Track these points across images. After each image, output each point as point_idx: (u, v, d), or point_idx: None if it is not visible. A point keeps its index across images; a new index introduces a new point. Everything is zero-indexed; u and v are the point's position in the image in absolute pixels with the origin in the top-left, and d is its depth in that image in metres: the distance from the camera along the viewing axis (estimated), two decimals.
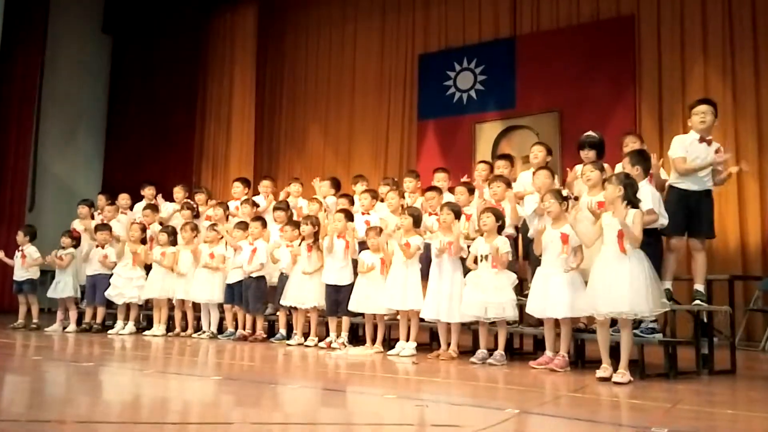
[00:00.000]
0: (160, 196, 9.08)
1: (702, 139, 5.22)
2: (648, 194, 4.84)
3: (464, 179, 7.00)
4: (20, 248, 8.61)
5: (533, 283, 5.23)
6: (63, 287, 8.27)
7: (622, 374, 4.41)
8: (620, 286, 4.43)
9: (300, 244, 6.94)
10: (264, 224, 7.50)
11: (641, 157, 5.06)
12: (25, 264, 8.51)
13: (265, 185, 8.49)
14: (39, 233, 8.94)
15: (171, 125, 13.03)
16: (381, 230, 6.42)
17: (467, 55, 10.84)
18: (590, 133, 5.90)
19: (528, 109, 10.09)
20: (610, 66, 9.48)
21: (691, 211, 5.13)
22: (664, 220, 4.92)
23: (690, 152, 5.20)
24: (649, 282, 4.45)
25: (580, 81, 9.62)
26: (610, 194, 4.63)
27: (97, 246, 8.25)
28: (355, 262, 6.59)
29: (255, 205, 8.04)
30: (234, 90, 12.83)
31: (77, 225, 8.90)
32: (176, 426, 3.01)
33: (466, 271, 5.66)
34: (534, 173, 5.91)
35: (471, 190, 6.55)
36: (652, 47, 9.27)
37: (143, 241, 8.19)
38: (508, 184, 6.24)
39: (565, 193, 5.27)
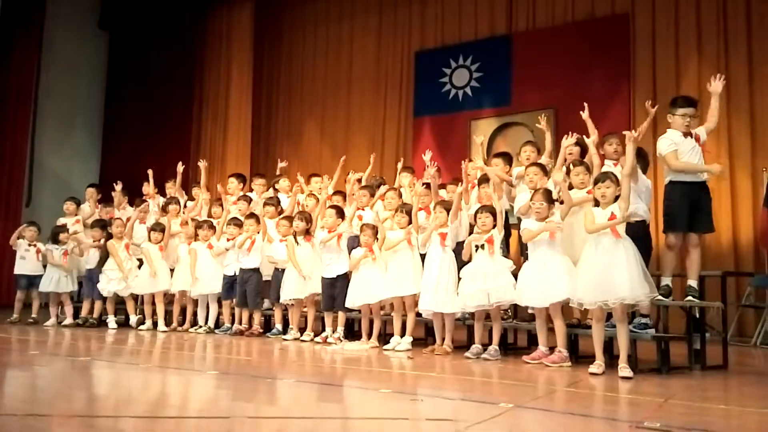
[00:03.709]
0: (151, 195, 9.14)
1: (686, 134, 5.27)
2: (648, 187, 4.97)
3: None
4: (33, 243, 8.61)
5: (524, 275, 5.26)
6: (67, 282, 8.32)
7: (627, 369, 4.47)
8: (620, 272, 4.50)
9: (296, 239, 6.99)
10: (258, 221, 7.53)
11: (638, 155, 5.12)
12: (39, 259, 8.58)
13: (259, 183, 8.56)
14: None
15: (167, 121, 13.03)
16: (375, 228, 6.45)
17: (463, 52, 10.87)
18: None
19: (523, 106, 10.12)
20: (605, 63, 9.52)
21: (693, 205, 5.16)
22: (645, 215, 5.02)
23: (679, 148, 5.24)
24: (642, 267, 4.56)
25: (576, 78, 9.64)
26: (611, 193, 4.70)
27: (94, 242, 8.29)
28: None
29: (250, 202, 8.06)
30: (231, 86, 12.83)
31: (64, 221, 8.91)
32: (173, 420, 3.04)
33: (460, 263, 5.70)
34: (526, 168, 5.95)
35: None
36: (647, 45, 9.31)
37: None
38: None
39: (554, 195, 5.33)
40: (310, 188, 8.07)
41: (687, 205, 5.15)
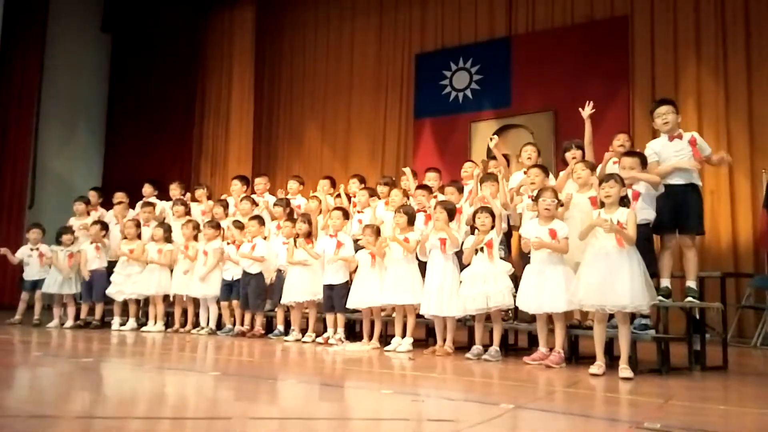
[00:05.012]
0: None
1: (671, 138, 5.29)
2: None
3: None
4: (36, 247, 8.63)
5: (524, 279, 5.28)
6: (71, 284, 8.33)
7: (628, 369, 4.49)
8: (621, 281, 4.52)
9: (296, 241, 7.01)
10: (261, 222, 7.55)
11: (640, 159, 5.17)
12: (44, 263, 8.56)
13: (258, 181, 8.59)
14: None
15: (170, 123, 13.09)
16: (378, 229, 6.48)
17: (463, 55, 10.91)
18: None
19: (523, 108, 10.16)
20: (605, 66, 9.55)
21: (678, 206, 5.15)
22: (648, 214, 5.06)
23: (662, 154, 5.25)
24: (645, 275, 4.57)
25: (575, 81, 9.67)
26: (615, 193, 4.73)
27: (92, 242, 8.32)
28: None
29: (254, 203, 8.08)
30: (232, 88, 12.88)
31: (74, 222, 8.94)
32: (175, 421, 3.05)
33: (462, 266, 5.73)
34: (527, 170, 6.02)
35: (460, 189, 6.63)
36: (646, 47, 9.34)
37: (139, 237, 8.24)
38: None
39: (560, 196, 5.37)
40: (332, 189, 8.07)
41: (671, 206, 5.15)
